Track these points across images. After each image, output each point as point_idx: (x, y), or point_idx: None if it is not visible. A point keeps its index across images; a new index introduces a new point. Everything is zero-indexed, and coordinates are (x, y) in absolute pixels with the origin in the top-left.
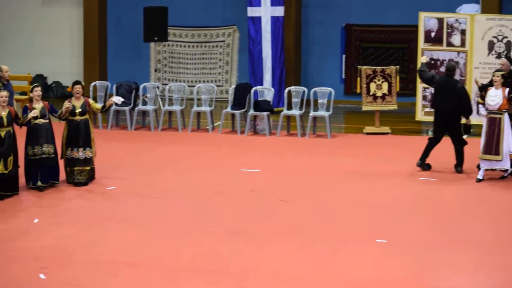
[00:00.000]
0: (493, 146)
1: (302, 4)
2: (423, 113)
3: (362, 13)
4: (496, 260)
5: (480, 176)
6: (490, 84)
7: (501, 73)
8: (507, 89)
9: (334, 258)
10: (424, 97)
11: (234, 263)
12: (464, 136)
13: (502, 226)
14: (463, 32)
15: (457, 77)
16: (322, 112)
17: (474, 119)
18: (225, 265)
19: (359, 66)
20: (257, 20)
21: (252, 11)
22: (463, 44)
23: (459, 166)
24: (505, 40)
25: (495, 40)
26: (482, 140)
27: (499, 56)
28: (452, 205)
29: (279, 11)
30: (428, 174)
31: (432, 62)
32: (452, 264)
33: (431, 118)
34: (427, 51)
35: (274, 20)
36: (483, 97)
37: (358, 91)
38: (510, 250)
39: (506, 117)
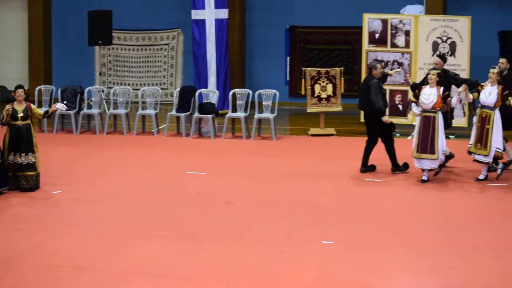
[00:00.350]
0: (428, 145)
1: (246, 7)
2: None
3: (306, 15)
4: (440, 260)
5: (425, 177)
6: (423, 82)
7: (436, 71)
8: (441, 88)
9: (280, 259)
10: None
11: (181, 266)
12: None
13: (446, 226)
14: (407, 33)
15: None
16: (267, 114)
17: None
18: (172, 267)
19: (303, 68)
20: (201, 23)
21: (196, 14)
22: (407, 45)
23: (394, 166)
24: (449, 41)
25: (439, 40)
26: (414, 139)
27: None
28: (397, 206)
29: (223, 13)
30: (372, 175)
31: None
32: (397, 265)
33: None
34: (371, 52)
35: (218, 22)
36: (416, 95)
37: (303, 93)
38: (454, 251)
39: (440, 115)
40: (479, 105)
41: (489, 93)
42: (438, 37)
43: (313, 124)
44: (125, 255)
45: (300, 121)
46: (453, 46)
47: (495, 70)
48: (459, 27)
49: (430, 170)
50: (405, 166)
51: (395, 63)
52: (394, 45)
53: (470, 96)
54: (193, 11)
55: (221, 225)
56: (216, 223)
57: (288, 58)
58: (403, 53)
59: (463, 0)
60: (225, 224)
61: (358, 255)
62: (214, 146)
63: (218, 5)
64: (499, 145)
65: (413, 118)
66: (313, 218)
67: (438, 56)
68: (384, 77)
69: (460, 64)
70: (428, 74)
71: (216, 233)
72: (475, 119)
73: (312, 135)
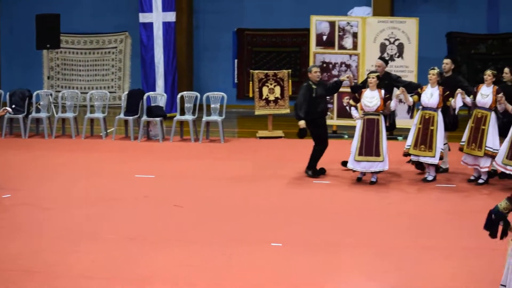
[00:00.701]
0: (373, 148)
1: (193, 10)
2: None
3: (254, 17)
4: (389, 262)
5: (373, 179)
6: (363, 85)
7: (376, 74)
8: (382, 90)
9: (230, 262)
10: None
11: (130, 269)
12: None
13: (395, 228)
14: (355, 35)
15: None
16: (215, 117)
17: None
18: (121, 271)
19: (251, 71)
20: (149, 26)
21: (143, 17)
22: (355, 47)
23: (308, 168)
24: (397, 43)
25: (387, 42)
26: (355, 142)
27: (391, 58)
28: (347, 208)
29: (171, 16)
30: (321, 177)
31: (325, 65)
32: (346, 267)
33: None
34: (319, 54)
35: (166, 25)
36: (356, 99)
37: (251, 95)
38: (403, 252)
39: (382, 118)
40: (421, 107)
41: (431, 95)
42: (386, 39)
43: (261, 126)
44: (76, 259)
45: (248, 123)
46: (400, 47)
47: (435, 71)
48: (407, 29)
49: (379, 172)
50: (322, 171)
51: (343, 65)
52: (341, 47)
53: (410, 99)
54: (140, 14)
55: (170, 228)
56: (165, 226)
57: (236, 60)
58: (350, 55)
59: (411, 2)
60: (174, 227)
61: (308, 257)
62: (163, 149)
63: (165, 8)
64: (443, 145)
65: None
66: (262, 221)
67: (381, 58)
68: (336, 84)
69: (408, 66)
70: (368, 77)
71: (165, 236)
72: (415, 120)
73: (260, 137)
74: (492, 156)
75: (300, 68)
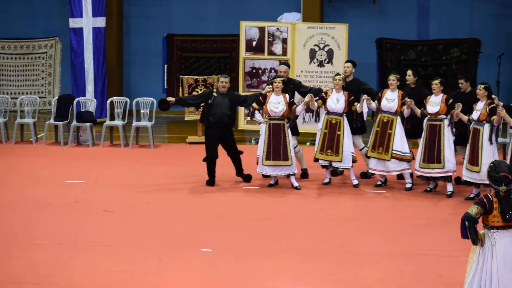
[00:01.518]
0: (281, 152)
1: (123, 15)
2: (245, 122)
3: (184, 23)
4: (318, 267)
5: (296, 184)
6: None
7: (281, 79)
8: (287, 95)
9: (159, 267)
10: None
11: (61, 275)
12: None
13: (324, 233)
14: (284, 41)
15: None
16: (144, 122)
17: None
18: (53, 276)
19: (181, 76)
20: (79, 31)
21: (74, 22)
22: (284, 52)
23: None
24: (326, 48)
25: (316, 48)
26: (261, 147)
27: (321, 64)
28: (276, 213)
29: (101, 22)
30: (251, 183)
31: (254, 71)
32: (276, 272)
33: (254, 127)
34: (249, 60)
35: (96, 31)
36: (260, 102)
37: None
38: (332, 257)
39: (286, 122)
40: (326, 112)
41: (337, 100)
42: (316, 45)
43: (190, 132)
44: (7, 264)
45: (178, 129)
46: (330, 53)
47: (340, 77)
48: (337, 35)
49: (288, 176)
50: (248, 177)
51: (273, 71)
52: (271, 52)
53: (315, 104)
54: (70, 20)
55: (100, 233)
56: (95, 231)
57: (165, 66)
58: (280, 61)
59: (341, 8)
60: (104, 232)
61: (237, 263)
62: (92, 154)
63: (95, 13)
64: (352, 148)
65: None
66: (192, 226)
67: (284, 63)
68: (256, 97)
69: (338, 72)
70: (273, 82)
71: (95, 241)
72: (320, 125)
73: (190, 143)
74: (401, 159)
75: (230, 74)
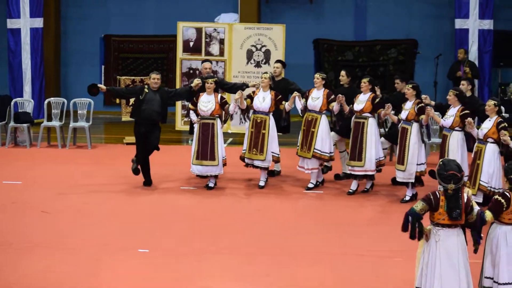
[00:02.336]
0: (208, 152)
1: (61, 16)
2: (182, 123)
3: (121, 23)
4: (257, 268)
5: (211, 184)
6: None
7: (214, 79)
8: (219, 95)
9: (97, 268)
10: (184, 107)
11: None
12: None
13: (262, 234)
14: (221, 42)
15: None
16: (82, 123)
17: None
18: None
19: (118, 77)
20: (16, 32)
21: (11, 23)
22: (221, 53)
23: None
24: (263, 49)
25: (253, 49)
26: (193, 146)
27: (258, 64)
28: (213, 214)
29: (39, 22)
30: (188, 183)
31: (191, 71)
32: (214, 273)
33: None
34: (186, 60)
35: (34, 31)
36: (194, 103)
37: (118, 101)
38: (270, 258)
39: (218, 122)
40: (253, 111)
41: (263, 99)
42: (253, 45)
43: (128, 132)
44: None
45: (115, 129)
46: (267, 54)
47: (267, 75)
48: (274, 35)
49: (215, 176)
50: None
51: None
52: (208, 53)
53: (244, 102)
54: (8, 20)
55: (37, 234)
56: (32, 232)
57: (103, 67)
58: (217, 61)
59: (278, 8)
60: (42, 233)
61: (175, 263)
62: (30, 155)
63: (33, 14)
64: (275, 149)
65: (228, 126)
66: (130, 227)
67: (210, 61)
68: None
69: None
70: (206, 82)
71: (32, 242)
72: (247, 124)
73: (127, 143)
74: (320, 158)
75: (167, 74)
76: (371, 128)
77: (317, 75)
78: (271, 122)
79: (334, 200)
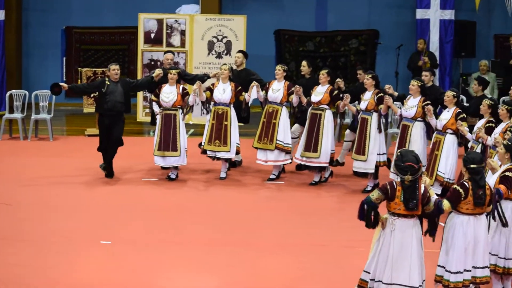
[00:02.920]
0: (170, 142)
1: (22, 7)
2: (144, 114)
3: (83, 15)
4: (219, 258)
5: (172, 175)
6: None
7: (177, 70)
8: (181, 86)
9: (57, 260)
10: (145, 98)
11: None
12: None
13: (224, 225)
14: (183, 33)
15: None
16: (43, 115)
17: None
18: None
19: (79, 68)
20: None
21: None
22: (183, 44)
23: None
24: (225, 40)
25: (215, 40)
26: (155, 137)
27: (219, 56)
28: (175, 205)
29: (0, 14)
30: (150, 175)
31: (152, 63)
32: (176, 264)
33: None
34: (147, 52)
35: None
36: (156, 94)
37: None
38: (233, 249)
39: (180, 113)
40: (214, 103)
41: (223, 90)
42: (214, 36)
43: (90, 124)
44: None
45: (77, 121)
46: (228, 45)
47: (227, 67)
48: (235, 26)
49: (176, 167)
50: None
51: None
52: (169, 44)
53: (203, 94)
54: None
55: None
56: None
57: (64, 58)
58: (178, 53)
59: (239, 0)
60: (2, 225)
61: (137, 254)
62: None
63: None
64: (237, 140)
65: (189, 117)
66: (92, 219)
67: (172, 53)
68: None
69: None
70: (169, 73)
71: None
72: (208, 116)
73: (89, 135)
74: (283, 150)
75: (129, 66)
76: (328, 120)
77: (278, 67)
78: (233, 113)
79: (294, 191)
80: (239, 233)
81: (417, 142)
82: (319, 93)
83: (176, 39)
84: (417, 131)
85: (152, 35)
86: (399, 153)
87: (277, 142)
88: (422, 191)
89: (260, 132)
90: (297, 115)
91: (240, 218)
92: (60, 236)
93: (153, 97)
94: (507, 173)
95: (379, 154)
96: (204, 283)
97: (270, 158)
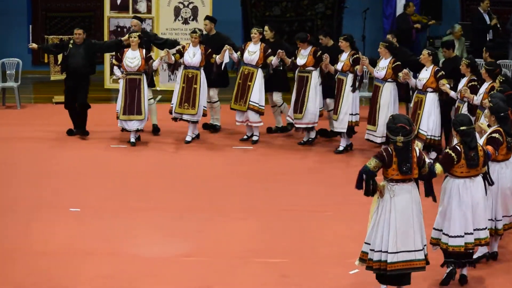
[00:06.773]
0: (135, 106)
1: None
2: (111, 81)
3: None
4: (189, 225)
5: (133, 139)
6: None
7: (137, 34)
8: (144, 50)
9: (28, 229)
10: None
11: None
12: None
13: (192, 190)
14: None
15: None
16: (10, 83)
17: None
18: None
19: (46, 36)
20: None
21: None
22: (149, 10)
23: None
24: (191, 6)
25: (181, 5)
26: (119, 102)
27: (186, 21)
28: (145, 171)
29: None
30: (118, 142)
31: (119, 30)
32: (146, 230)
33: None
34: (113, 18)
35: None
36: (118, 58)
37: (46, 61)
38: (202, 215)
39: (144, 77)
40: (184, 66)
41: (193, 54)
42: (180, 2)
43: (57, 92)
44: None
45: (44, 89)
46: (195, 10)
47: (196, 35)
48: None
49: (137, 130)
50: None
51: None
52: (136, 11)
53: (172, 58)
54: None
55: None
56: None
57: (30, 26)
58: (145, 19)
59: None
60: None
61: (106, 222)
62: None
63: None
64: (204, 103)
65: (157, 83)
66: (60, 186)
67: (136, 18)
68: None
69: (201, 29)
70: (130, 37)
71: None
72: (178, 79)
73: (56, 103)
74: (258, 111)
75: (95, 33)
76: (314, 81)
77: (254, 30)
78: (202, 76)
79: (265, 154)
80: (208, 198)
81: (388, 103)
82: (304, 56)
83: (142, 6)
84: (387, 92)
85: (118, 2)
86: (391, 117)
87: (251, 103)
88: (417, 153)
89: (236, 93)
90: (266, 77)
91: (209, 184)
92: (29, 204)
93: (114, 61)
94: (493, 135)
95: (352, 114)
96: (174, 249)
97: (247, 119)
